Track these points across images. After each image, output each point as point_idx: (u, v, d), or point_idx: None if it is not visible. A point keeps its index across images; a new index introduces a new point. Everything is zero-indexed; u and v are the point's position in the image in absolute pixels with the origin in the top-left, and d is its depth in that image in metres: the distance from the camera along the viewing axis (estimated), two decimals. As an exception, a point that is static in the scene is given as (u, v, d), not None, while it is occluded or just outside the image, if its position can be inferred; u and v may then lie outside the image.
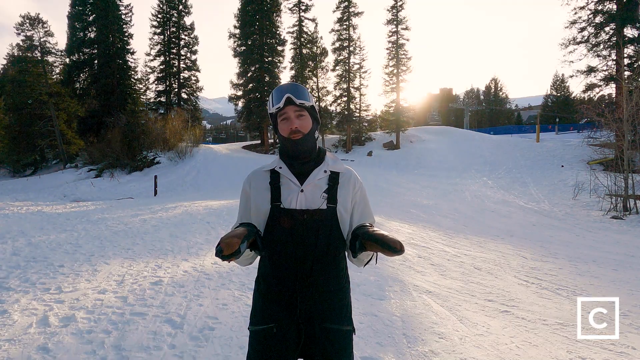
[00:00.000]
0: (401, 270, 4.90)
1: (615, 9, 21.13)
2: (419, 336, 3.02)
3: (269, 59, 31.43)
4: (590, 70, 22.23)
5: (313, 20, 32.17)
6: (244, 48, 31.26)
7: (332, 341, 1.27)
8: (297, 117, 1.30)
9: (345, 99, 31.27)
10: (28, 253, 5.27)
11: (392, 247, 1.06)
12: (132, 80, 34.12)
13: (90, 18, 33.86)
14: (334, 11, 31.00)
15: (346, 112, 30.91)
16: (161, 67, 33.64)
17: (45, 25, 31.16)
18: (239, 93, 32.00)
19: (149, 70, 33.75)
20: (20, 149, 29.18)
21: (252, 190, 1.35)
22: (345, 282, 1.36)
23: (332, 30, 31.19)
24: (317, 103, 32.23)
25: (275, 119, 1.34)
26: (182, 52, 34.14)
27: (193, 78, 34.56)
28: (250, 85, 31.48)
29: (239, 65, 31.57)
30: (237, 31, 31.68)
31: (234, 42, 31.76)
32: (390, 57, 30.21)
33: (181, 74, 34.08)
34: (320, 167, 1.33)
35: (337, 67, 31.41)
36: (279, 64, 31.94)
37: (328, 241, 1.27)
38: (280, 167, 1.32)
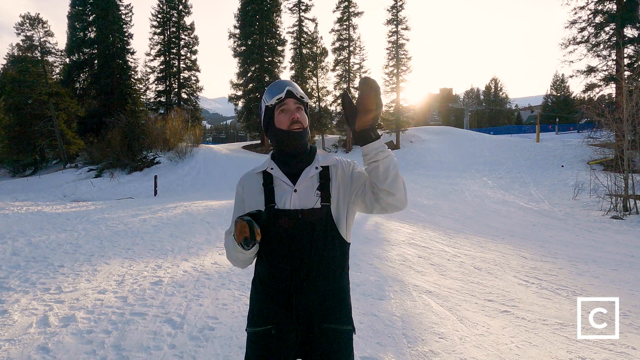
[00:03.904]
0: (401, 270, 4.90)
1: (615, 9, 21.15)
2: (419, 336, 3.02)
3: (269, 59, 31.45)
4: (590, 70, 22.25)
5: (313, 20, 32.21)
6: (244, 48, 31.28)
7: (331, 341, 1.27)
8: (297, 110, 1.30)
9: (345, 99, 31.24)
10: (28, 253, 5.27)
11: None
12: (132, 80, 34.15)
13: (90, 18, 33.88)
14: (334, 11, 31.02)
15: (346, 112, 30.89)
16: (161, 67, 33.64)
17: (45, 25, 31.22)
18: (239, 93, 32.02)
19: (149, 70, 33.80)
20: (20, 149, 29.20)
21: (246, 194, 1.34)
22: (344, 281, 1.35)
23: (332, 30, 31.20)
24: (316, 103, 32.25)
25: (272, 112, 1.32)
26: (182, 52, 34.17)
27: (193, 78, 34.59)
28: (250, 85, 31.49)
29: (239, 65, 31.59)
30: (237, 31, 31.70)
31: (234, 42, 31.79)
32: (390, 57, 30.22)
33: (181, 74, 34.09)
34: (312, 165, 1.31)
35: (337, 67, 31.42)
36: (279, 64, 31.98)
37: (324, 240, 1.26)
38: (271, 169, 1.31)
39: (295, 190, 1.27)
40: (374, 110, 1.09)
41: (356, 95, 1.12)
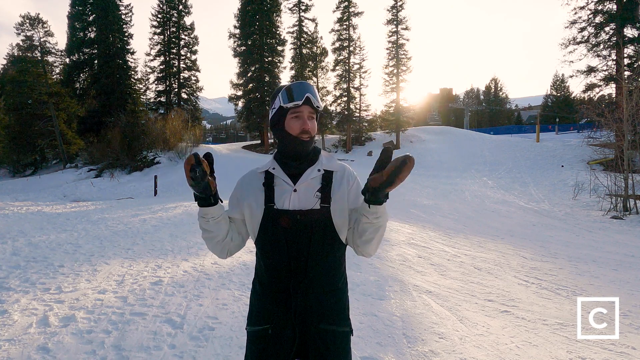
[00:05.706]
0: (401, 270, 4.90)
1: (615, 9, 21.14)
2: (419, 336, 3.02)
3: (269, 59, 31.43)
4: (590, 70, 22.24)
5: (313, 20, 32.20)
6: (244, 48, 31.26)
7: (327, 342, 1.27)
8: (309, 118, 1.29)
9: (345, 99, 31.27)
10: (28, 253, 5.27)
11: (402, 162, 1.05)
12: (132, 80, 34.11)
13: (90, 18, 33.88)
14: (334, 11, 31.02)
15: (346, 112, 30.91)
16: (161, 67, 33.61)
17: (45, 25, 31.17)
18: (239, 93, 32.00)
19: (149, 70, 33.76)
20: (20, 149, 29.15)
21: (246, 191, 1.33)
22: (342, 282, 1.35)
23: (332, 30, 31.19)
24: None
25: (285, 113, 1.29)
26: (182, 52, 34.13)
27: (193, 78, 34.55)
28: (250, 85, 31.48)
29: (239, 65, 31.57)
30: (237, 31, 31.68)
31: (234, 42, 31.77)
32: (390, 57, 30.24)
33: (181, 74, 34.06)
34: (314, 166, 1.31)
35: (337, 67, 31.42)
36: (279, 64, 31.95)
37: (322, 241, 1.26)
38: (273, 168, 1.31)
39: (295, 190, 1.27)
40: (395, 184, 1.09)
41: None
